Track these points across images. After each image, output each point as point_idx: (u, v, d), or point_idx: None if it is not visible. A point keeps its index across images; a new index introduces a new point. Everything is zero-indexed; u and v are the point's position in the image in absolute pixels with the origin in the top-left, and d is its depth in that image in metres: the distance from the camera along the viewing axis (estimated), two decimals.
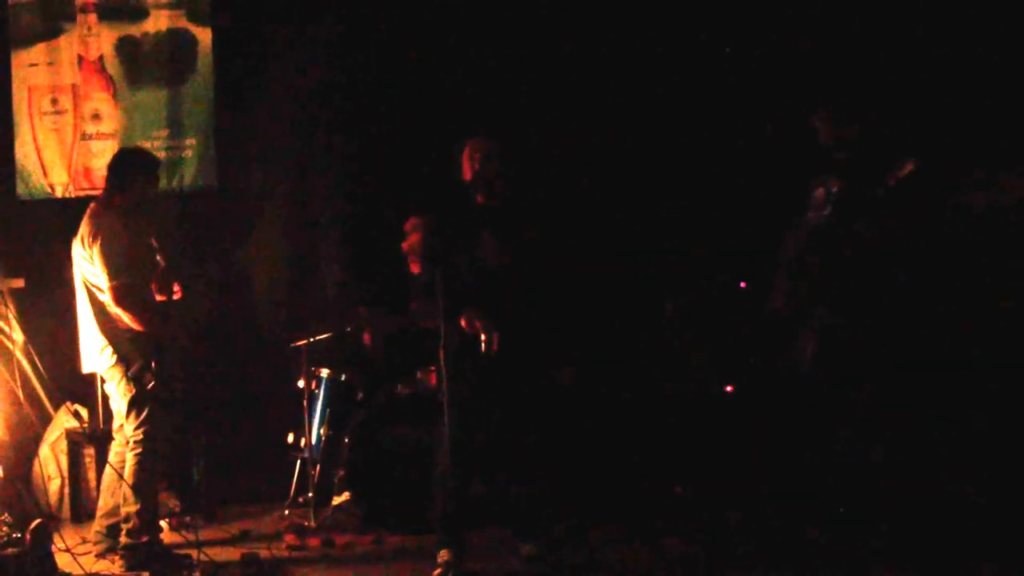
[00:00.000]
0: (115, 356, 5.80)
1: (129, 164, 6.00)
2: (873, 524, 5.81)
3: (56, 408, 7.08)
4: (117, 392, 5.89)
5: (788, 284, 6.06)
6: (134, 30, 7.69)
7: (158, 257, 6.00)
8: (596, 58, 7.60)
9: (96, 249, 5.75)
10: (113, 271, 5.72)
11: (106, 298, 5.77)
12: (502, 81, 7.62)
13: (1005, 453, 6.14)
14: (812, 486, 6.06)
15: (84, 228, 5.86)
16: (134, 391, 5.80)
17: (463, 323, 5.57)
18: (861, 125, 5.84)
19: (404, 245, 6.95)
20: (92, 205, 5.96)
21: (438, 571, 5.56)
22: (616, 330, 7.55)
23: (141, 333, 5.80)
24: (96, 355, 5.87)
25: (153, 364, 5.80)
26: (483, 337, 5.54)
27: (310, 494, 6.66)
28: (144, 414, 5.81)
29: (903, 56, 6.72)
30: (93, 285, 5.82)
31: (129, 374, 5.79)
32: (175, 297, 6.02)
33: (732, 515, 6.42)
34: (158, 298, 6.00)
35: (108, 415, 6.60)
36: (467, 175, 5.74)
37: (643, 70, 7.57)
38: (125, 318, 5.77)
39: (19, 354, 6.98)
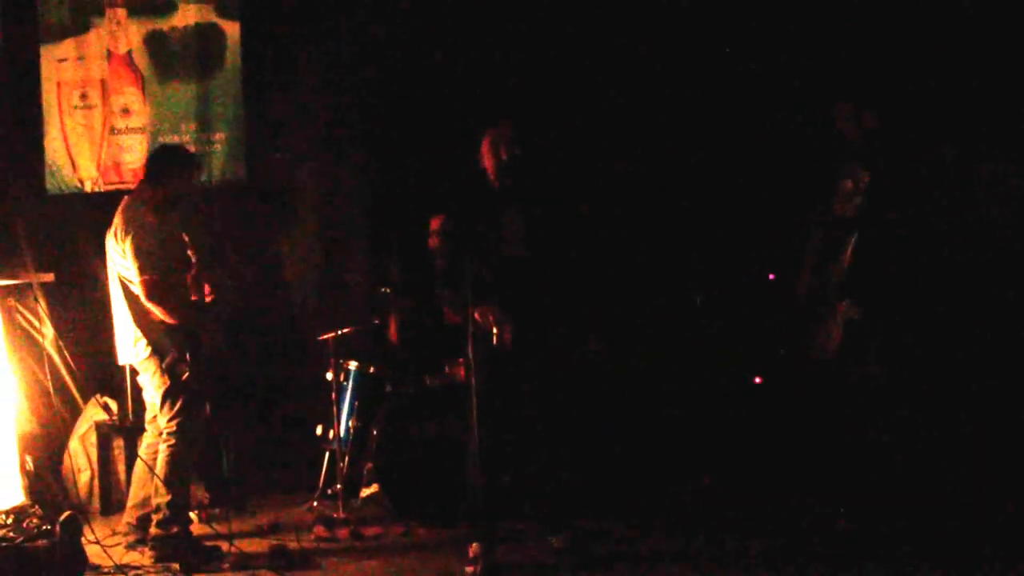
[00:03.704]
0: (149, 348, 5.81)
1: (167, 160, 6.03)
2: (897, 516, 5.79)
3: (85, 401, 7.11)
4: (151, 384, 5.90)
5: (812, 275, 6.05)
6: (162, 24, 7.70)
7: (189, 252, 6.01)
8: (622, 49, 7.59)
9: (128, 243, 5.76)
10: (144, 265, 5.73)
11: (138, 291, 5.79)
12: (529, 73, 7.63)
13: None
14: (841, 477, 6.04)
15: (117, 221, 5.88)
16: (168, 383, 5.81)
17: (477, 316, 5.55)
18: (882, 116, 5.85)
19: (431, 243, 6.96)
20: (125, 199, 5.98)
21: (470, 569, 5.50)
22: (644, 323, 7.53)
23: (174, 325, 5.81)
24: (130, 347, 5.88)
25: (187, 356, 5.81)
26: (495, 330, 5.52)
27: (338, 486, 6.66)
28: (178, 406, 5.82)
29: (926, 48, 6.71)
30: (126, 278, 5.83)
31: (163, 366, 5.80)
32: (207, 299, 6.07)
33: (761, 507, 6.39)
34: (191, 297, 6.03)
35: (137, 407, 6.63)
36: (489, 163, 5.69)
37: (677, 57, 7.57)
38: (157, 312, 5.78)
39: (49, 347, 7.00)
